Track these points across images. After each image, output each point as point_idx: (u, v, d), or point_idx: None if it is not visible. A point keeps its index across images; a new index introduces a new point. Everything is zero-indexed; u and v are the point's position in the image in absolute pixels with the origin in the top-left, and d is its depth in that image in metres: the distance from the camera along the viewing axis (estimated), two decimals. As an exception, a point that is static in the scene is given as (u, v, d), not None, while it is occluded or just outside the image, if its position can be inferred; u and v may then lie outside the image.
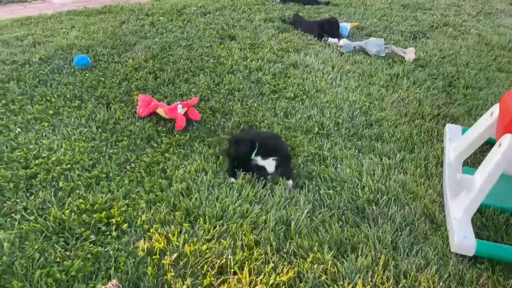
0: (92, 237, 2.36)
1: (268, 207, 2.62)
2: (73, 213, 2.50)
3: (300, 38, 5.53)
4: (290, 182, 2.86)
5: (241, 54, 4.85)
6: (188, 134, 3.33)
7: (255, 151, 2.91)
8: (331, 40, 5.29)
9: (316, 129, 3.48)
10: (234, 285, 2.11)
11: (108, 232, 2.41)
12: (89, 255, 2.22)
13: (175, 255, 2.24)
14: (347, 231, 2.47)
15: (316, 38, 5.51)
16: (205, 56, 4.76)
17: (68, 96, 3.80)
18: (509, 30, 6.46)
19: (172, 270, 2.17)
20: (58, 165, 2.91)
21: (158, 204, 2.62)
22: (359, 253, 2.33)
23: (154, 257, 2.23)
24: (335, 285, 2.14)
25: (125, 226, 2.44)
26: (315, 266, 2.22)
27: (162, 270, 2.17)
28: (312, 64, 4.70)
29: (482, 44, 5.70)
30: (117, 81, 4.09)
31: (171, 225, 2.47)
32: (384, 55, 5.03)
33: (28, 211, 2.50)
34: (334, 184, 2.86)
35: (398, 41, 5.58)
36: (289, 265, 2.23)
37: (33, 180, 2.76)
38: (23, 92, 3.84)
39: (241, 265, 2.22)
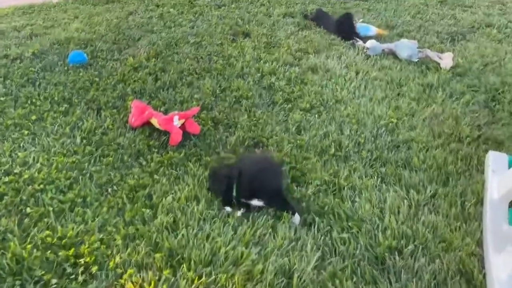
0: (54, 281, 2.03)
1: (268, 252, 2.22)
2: (35, 249, 2.16)
3: (323, 37, 5.06)
4: (297, 218, 2.45)
5: (254, 55, 4.43)
6: (183, 150, 2.95)
7: (234, 190, 2.49)
8: (360, 43, 4.77)
9: (333, 149, 3.04)
10: None
11: (73, 276, 2.07)
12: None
13: (147, 314, 1.88)
14: (362, 290, 2.05)
15: (340, 38, 5.01)
16: (214, 56, 4.36)
17: (56, 98, 3.47)
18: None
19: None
20: (30, 184, 2.58)
21: (137, 241, 2.26)
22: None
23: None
24: None
25: (94, 269, 2.09)
26: None
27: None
28: (334, 69, 4.23)
29: (531, 50, 5.10)
30: (113, 83, 3.74)
31: (148, 270, 2.10)
32: (417, 60, 4.51)
33: (-16, 244, 2.18)
34: (349, 223, 2.43)
35: (433, 43, 5.03)
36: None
37: (-2, 202, 2.43)
38: (8, 92, 3.53)
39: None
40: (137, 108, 3.19)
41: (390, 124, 3.39)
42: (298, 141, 3.12)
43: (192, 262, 2.13)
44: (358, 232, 2.38)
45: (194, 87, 3.78)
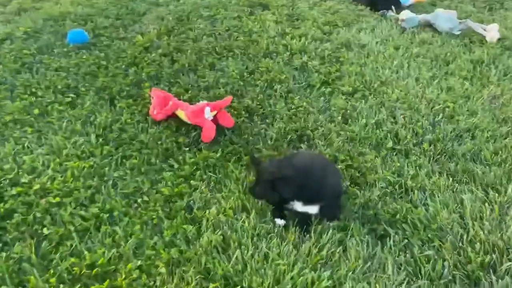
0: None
1: (341, 275, 1.89)
2: (61, 283, 1.80)
3: (349, 8, 4.63)
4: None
5: (278, 29, 3.99)
6: (220, 148, 2.57)
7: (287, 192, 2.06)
8: (392, 14, 4.35)
9: (390, 142, 2.69)
10: None
11: (112, 316, 1.71)
12: None
13: None
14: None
15: (370, 9, 4.59)
16: (234, 31, 3.91)
17: (59, 87, 3.03)
18: None
19: None
20: (43, 196, 2.18)
21: (184, 267, 1.89)
22: None
23: None
24: None
25: (137, 306, 1.73)
26: None
27: None
28: (369, 44, 3.84)
29: None
30: (123, 66, 3.30)
31: (204, 305, 1.75)
32: (458, 33, 4.13)
33: (-4, 279, 1.81)
34: (429, 234, 2.11)
35: (470, 12, 4.64)
36: None
37: (6, 222, 2.04)
38: (1, 80, 3.07)
39: None
40: (158, 97, 2.78)
41: (447, 109, 3.04)
42: (349, 133, 2.76)
43: (255, 292, 1.80)
44: (441, 246, 2.05)
45: (218, 69, 3.35)
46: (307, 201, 2.07)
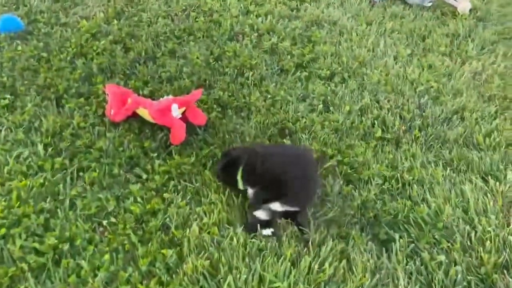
0: None
1: (349, 293, 1.69)
2: None
3: (313, -20, 4.34)
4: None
5: (241, 7, 3.66)
6: (193, 151, 2.27)
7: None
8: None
9: (379, 131, 2.50)
10: None
11: None
12: None
13: None
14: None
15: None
16: (192, 11, 3.54)
17: (-8, 87, 2.59)
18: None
19: None
20: (-15, 228, 1.81)
21: (168, 303, 1.62)
22: None
23: None
24: None
25: None
26: None
27: None
28: (341, 21, 3.60)
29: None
30: (68, 58, 2.88)
31: None
32: (429, 4, 3.98)
33: None
34: (435, 235, 1.95)
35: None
36: None
37: None
38: None
39: None
40: (114, 94, 2.42)
41: (431, 89, 2.89)
42: (333, 123, 2.54)
43: (255, 327, 1.56)
44: (450, 248, 1.90)
45: (179, 56, 3.00)
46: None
